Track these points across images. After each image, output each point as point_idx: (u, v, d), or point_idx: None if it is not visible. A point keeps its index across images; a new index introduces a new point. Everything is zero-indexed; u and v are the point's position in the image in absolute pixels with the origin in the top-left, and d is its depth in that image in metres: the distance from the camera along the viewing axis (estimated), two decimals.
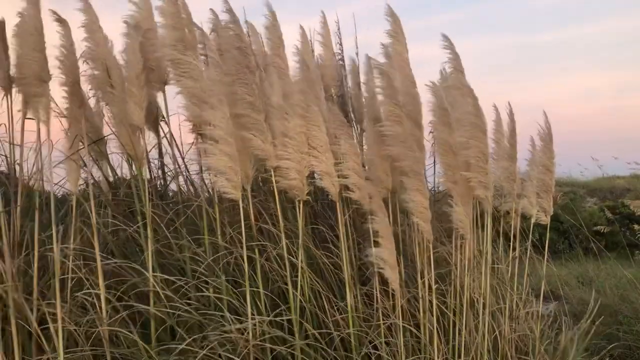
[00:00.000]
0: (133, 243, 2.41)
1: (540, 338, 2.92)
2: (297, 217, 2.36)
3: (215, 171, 2.15)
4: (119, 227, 2.33)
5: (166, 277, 2.20)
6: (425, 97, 2.60)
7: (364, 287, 2.52)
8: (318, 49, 3.34)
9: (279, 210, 2.31)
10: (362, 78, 3.05)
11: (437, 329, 2.43)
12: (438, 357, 2.43)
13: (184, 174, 2.72)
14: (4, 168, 2.40)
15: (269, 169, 2.31)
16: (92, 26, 2.35)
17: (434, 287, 2.49)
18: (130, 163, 2.48)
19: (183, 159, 2.70)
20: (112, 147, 2.57)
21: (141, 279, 2.18)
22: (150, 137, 2.65)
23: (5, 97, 2.19)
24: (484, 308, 2.63)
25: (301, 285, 2.32)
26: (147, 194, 2.26)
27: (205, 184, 2.59)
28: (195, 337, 2.07)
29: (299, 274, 2.31)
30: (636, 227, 6.61)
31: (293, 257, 2.34)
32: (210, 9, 2.64)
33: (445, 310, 2.56)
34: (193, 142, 2.54)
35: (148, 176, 2.57)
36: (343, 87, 3.32)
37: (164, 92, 2.57)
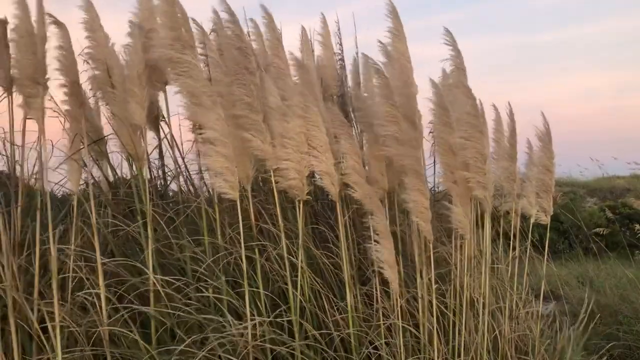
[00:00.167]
0: (133, 243, 2.42)
1: (540, 338, 2.92)
2: (297, 217, 2.36)
3: (212, 172, 2.16)
4: (120, 227, 2.33)
5: (167, 278, 2.20)
6: (425, 97, 2.61)
7: (364, 287, 2.53)
8: (318, 49, 3.34)
9: (278, 210, 2.31)
10: (360, 78, 3.05)
11: (436, 329, 2.43)
12: (438, 357, 2.43)
13: (184, 174, 2.73)
14: (4, 168, 2.40)
15: (269, 169, 2.31)
16: (93, 25, 2.35)
17: (433, 287, 2.49)
18: (130, 163, 2.48)
19: (183, 159, 2.71)
20: (113, 147, 2.57)
21: (141, 278, 2.19)
22: (150, 137, 2.66)
23: (7, 97, 2.19)
24: (483, 308, 2.63)
25: (301, 285, 2.32)
26: (147, 193, 2.27)
27: (205, 184, 2.59)
28: (195, 337, 2.08)
29: (299, 274, 2.32)
30: (637, 227, 6.61)
31: (293, 257, 2.34)
32: (213, 10, 2.63)
33: (445, 310, 2.56)
34: (193, 142, 2.55)
35: (148, 176, 2.58)
36: (343, 87, 3.32)
37: (164, 92, 2.58)
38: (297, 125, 2.28)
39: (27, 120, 2.19)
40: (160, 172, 2.77)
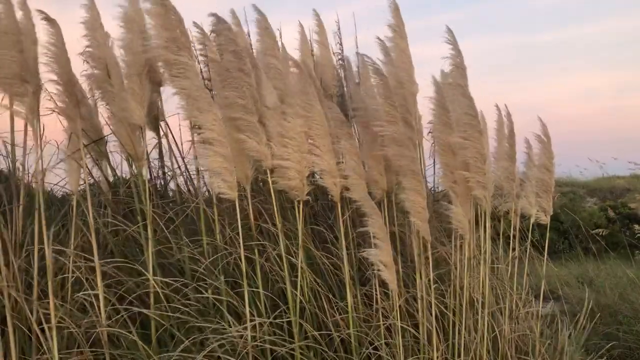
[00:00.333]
0: (133, 243, 2.41)
1: (539, 338, 2.92)
2: (297, 217, 2.36)
3: (211, 172, 2.16)
4: (119, 227, 2.33)
5: (167, 280, 2.20)
6: (424, 96, 2.61)
7: (364, 288, 2.52)
8: (317, 49, 3.33)
9: (276, 210, 2.31)
10: (359, 78, 3.05)
11: (436, 329, 2.43)
12: (437, 357, 2.43)
13: (184, 174, 2.73)
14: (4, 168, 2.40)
15: (266, 169, 2.31)
16: (94, 24, 2.34)
17: (432, 287, 2.49)
18: (130, 163, 2.48)
19: (183, 158, 2.71)
20: (113, 147, 2.57)
21: (141, 279, 2.19)
22: (150, 137, 2.66)
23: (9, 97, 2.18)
24: (483, 308, 2.63)
25: (301, 286, 2.32)
26: (147, 193, 2.27)
27: (205, 184, 2.59)
28: (194, 338, 2.07)
29: (299, 274, 2.31)
30: (636, 227, 6.61)
31: (293, 257, 2.34)
32: (211, 13, 2.63)
33: (445, 310, 2.56)
34: (191, 143, 2.55)
35: (148, 176, 2.57)
36: (343, 87, 3.32)
37: (158, 92, 2.58)
38: (298, 125, 2.28)
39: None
40: (160, 172, 2.77)
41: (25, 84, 2.08)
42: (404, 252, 2.68)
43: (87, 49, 2.32)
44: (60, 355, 2.00)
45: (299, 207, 2.35)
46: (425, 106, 2.63)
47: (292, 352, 2.21)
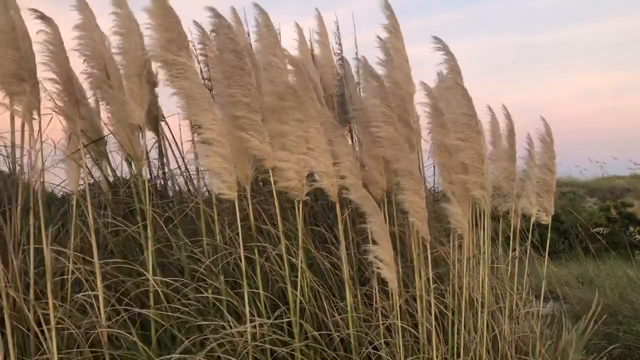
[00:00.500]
0: (133, 242, 2.41)
1: (540, 338, 2.92)
2: (297, 217, 2.36)
3: (210, 172, 2.16)
4: (119, 227, 2.33)
5: (166, 279, 2.20)
6: (423, 97, 2.61)
7: (364, 287, 2.52)
8: (318, 49, 3.33)
9: (277, 210, 2.31)
10: (356, 79, 3.05)
11: (435, 328, 2.43)
12: (437, 357, 2.43)
13: (184, 174, 2.73)
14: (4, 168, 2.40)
15: (268, 169, 2.31)
16: (89, 25, 2.33)
17: (432, 286, 2.49)
18: (129, 163, 2.48)
19: (183, 158, 2.71)
20: (113, 147, 2.56)
21: (140, 279, 2.19)
22: (149, 137, 2.65)
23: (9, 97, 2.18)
24: (482, 307, 2.63)
25: (301, 286, 2.32)
26: (147, 193, 2.26)
27: (205, 184, 2.59)
28: (194, 338, 2.07)
29: (299, 274, 2.31)
30: (632, 229, 6.62)
31: (292, 257, 2.34)
32: (211, 9, 2.63)
33: (445, 310, 2.56)
34: (191, 143, 2.55)
35: (148, 176, 2.57)
36: (343, 87, 3.32)
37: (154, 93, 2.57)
38: (296, 126, 2.28)
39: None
40: (160, 172, 2.77)
41: (23, 83, 2.07)
42: (403, 252, 2.68)
43: (85, 49, 2.32)
44: (60, 356, 2.00)
45: (298, 207, 2.35)
46: (424, 106, 2.63)
47: (292, 352, 2.21)
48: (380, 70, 2.67)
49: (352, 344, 2.35)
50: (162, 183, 2.82)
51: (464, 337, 2.56)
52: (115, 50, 2.34)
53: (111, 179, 2.66)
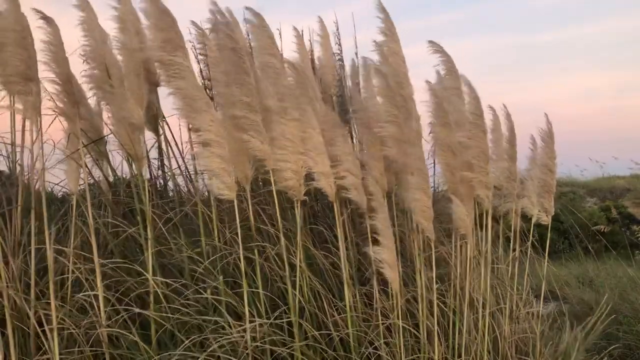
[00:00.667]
0: (133, 242, 2.41)
1: (540, 338, 2.92)
2: (296, 217, 2.36)
3: (209, 172, 2.16)
4: (119, 227, 2.33)
5: (166, 280, 2.20)
6: (424, 97, 2.61)
7: (364, 287, 2.52)
8: (318, 49, 3.33)
9: (277, 210, 2.31)
10: (359, 79, 3.05)
11: (436, 329, 2.43)
12: (437, 357, 2.43)
13: (184, 174, 2.72)
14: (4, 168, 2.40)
15: (268, 169, 2.31)
16: (91, 24, 2.33)
17: (434, 286, 2.48)
18: (130, 163, 2.48)
19: (183, 158, 2.70)
20: (113, 147, 2.56)
21: (140, 279, 2.18)
22: (150, 137, 2.65)
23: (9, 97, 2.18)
24: (483, 308, 2.63)
25: (300, 286, 2.32)
26: (147, 193, 2.26)
27: (204, 184, 2.59)
28: (194, 339, 2.07)
29: (297, 274, 2.31)
30: (634, 227, 6.61)
31: (292, 257, 2.34)
32: (210, 10, 2.63)
33: (446, 309, 2.56)
34: (190, 143, 2.55)
35: (148, 176, 2.57)
36: (343, 87, 3.32)
37: (156, 93, 2.57)
38: (293, 127, 2.28)
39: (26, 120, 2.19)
40: (159, 172, 2.77)
41: (29, 83, 2.08)
42: (403, 252, 2.68)
43: (86, 49, 2.32)
44: (61, 357, 2.00)
45: (297, 207, 2.35)
46: (424, 106, 2.63)
47: (292, 352, 2.21)
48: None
49: (351, 344, 2.35)
50: (162, 183, 2.82)
51: (465, 337, 2.56)
52: (115, 49, 2.34)
53: (111, 179, 2.66)
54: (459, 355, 2.54)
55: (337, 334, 2.33)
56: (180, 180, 2.74)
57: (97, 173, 2.61)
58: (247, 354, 2.11)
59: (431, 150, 2.81)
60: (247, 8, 2.61)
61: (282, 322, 2.24)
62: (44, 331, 2.00)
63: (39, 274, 2.10)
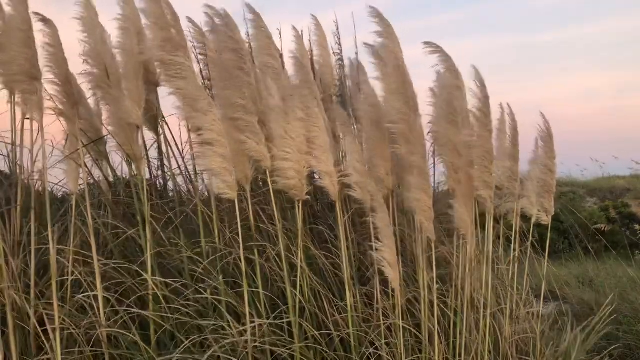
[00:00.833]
0: (133, 243, 2.41)
1: (541, 338, 2.92)
2: (297, 217, 2.36)
3: (210, 172, 2.15)
4: (119, 228, 2.33)
5: (166, 280, 2.20)
6: (426, 96, 2.60)
7: (364, 287, 2.52)
8: (317, 49, 3.33)
9: (276, 210, 2.30)
10: (366, 76, 3.03)
11: (437, 329, 2.43)
12: (438, 357, 2.42)
13: (184, 174, 2.72)
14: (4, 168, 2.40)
15: (266, 170, 2.31)
16: (91, 23, 2.33)
17: (434, 287, 2.48)
18: (129, 163, 2.48)
19: (183, 158, 2.70)
20: (113, 147, 2.56)
21: (140, 279, 2.18)
22: (149, 137, 2.65)
23: (10, 96, 2.18)
24: (484, 308, 2.63)
25: (300, 286, 2.32)
26: (146, 194, 2.26)
27: (204, 184, 2.59)
28: (194, 339, 2.07)
29: (298, 274, 2.31)
30: (637, 226, 6.61)
31: (293, 256, 2.34)
32: (205, 13, 2.62)
33: (446, 310, 2.55)
34: (190, 143, 2.55)
35: (147, 176, 2.57)
36: (343, 87, 3.32)
37: (156, 93, 2.57)
38: (298, 127, 2.28)
39: (26, 119, 2.18)
40: (159, 171, 2.77)
41: (34, 82, 2.08)
42: (404, 252, 2.68)
43: (86, 48, 2.32)
44: (61, 357, 1.99)
45: (298, 207, 2.35)
46: (425, 106, 2.62)
47: (292, 352, 2.21)
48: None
49: (352, 344, 2.35)
50: (162, 183, 2.82)
51: (465, 337, 2.56)
52: (114, 48, 2.34)
53: (111, 179, 2.66)
54: (460, 355, 2.54)
55: (338, 334, 2.33)
56: (180, 180, 2.74)
57: (97, 173, 2.61)
58: (247, 354, 2.10)
59: (431, 150, 2.81)
60: (247, 5, 2.62)
61: (282, 323, 2.24)
62: (44, 331, 2.00)
63: (38, 274, 2.10)
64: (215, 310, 2.21)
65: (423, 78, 2.87)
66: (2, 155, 2.33)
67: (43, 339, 1.98)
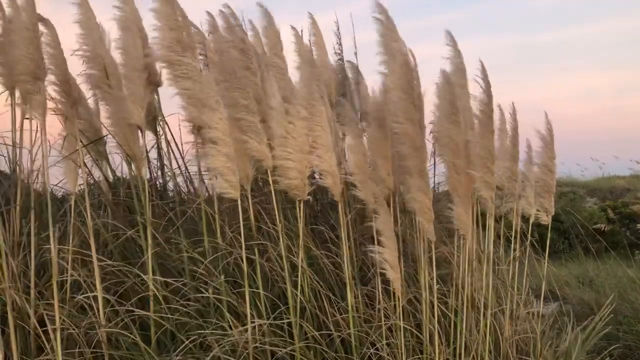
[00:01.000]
0: (133, 243, 2.41)
1: (541, 338, 2.92)
2: (297, 217, 2.35)
3: (213, 171, 2.15)
4: (119, 228, 2.32)
5: (166, 280, 2.19)
6: (428, 97, 2.59)
7: (365, 288, 2.52)
8: (315, 49, 3.32)
9: (276, 210, 2.30)
10: (359, 79, 3.04)
11: (437, 329, 2.43)
12: (439, 358, 2.42)
13: (184, 174, 2.72)
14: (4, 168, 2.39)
15: (268, 169, 2.30)
16: (89, 23, 2.33)
17: (435, 287, 2.48)
18: (129, 163, 2.47)
19: (183, 159, 2.70)
20: (113, 147, 2.55)
21: (139, 280, 2.18)
22: (149, 137, 2.65)
23: (10, 96, 2.18)
24: (485, 308, 2.63)
25: (301, 285, 2.32)
26: (146, 194, 2.26)
27: (205, 184, 2.58)
28: (194, 339, 2.07)
29: (299, 274, 2.31)
30: (638, 225, 6.61)
31: (293, 256, 2.34)
32: (207, 12, 2.63)
33: (447, 310, 2.55)
34: (192, 143, 2.54)
35: (147, 176, 2.56)
36: (344, 87, 3.31)
37: (157, 93, 2.57)
38: (301, 126, 2.27)
39: (25, 119, 2.18)
40: (159, 172, 2.76)
41: (38, 82, 2.07)
42: (405, 252, 2.67)
43: (85, 49, 2.32)
44: (62, 357, 1.99)
45: (299, 207, 2.34)
46: (426, 106, 2.61)
47: (292, 352, 2.21)
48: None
49: (352, 344, 2.35)
50: (162, 183, 2.81)
51: (466, 337, 2.55)
52: (115, 49, 2.34)
53: (111, 179, 2.66)
54: (460, 356, 2.53)
55: (339, 334, 2.32)
56: (180, 180, 2.73)
57: (97, 173, 2.60)
58: (248, 354, 2.10)
59: (432, 149, 2.81)
60: (258, 4, 2.62)
61: (283, 323, 2.24)
62: (44, 331, 2.00)
63: (38, 274, 2.09)
64: (217, 311, 2.21)
65: (423, 78, 2.86)
66: (2, 155, 2.33)
67: (43, 339, 1.98)
